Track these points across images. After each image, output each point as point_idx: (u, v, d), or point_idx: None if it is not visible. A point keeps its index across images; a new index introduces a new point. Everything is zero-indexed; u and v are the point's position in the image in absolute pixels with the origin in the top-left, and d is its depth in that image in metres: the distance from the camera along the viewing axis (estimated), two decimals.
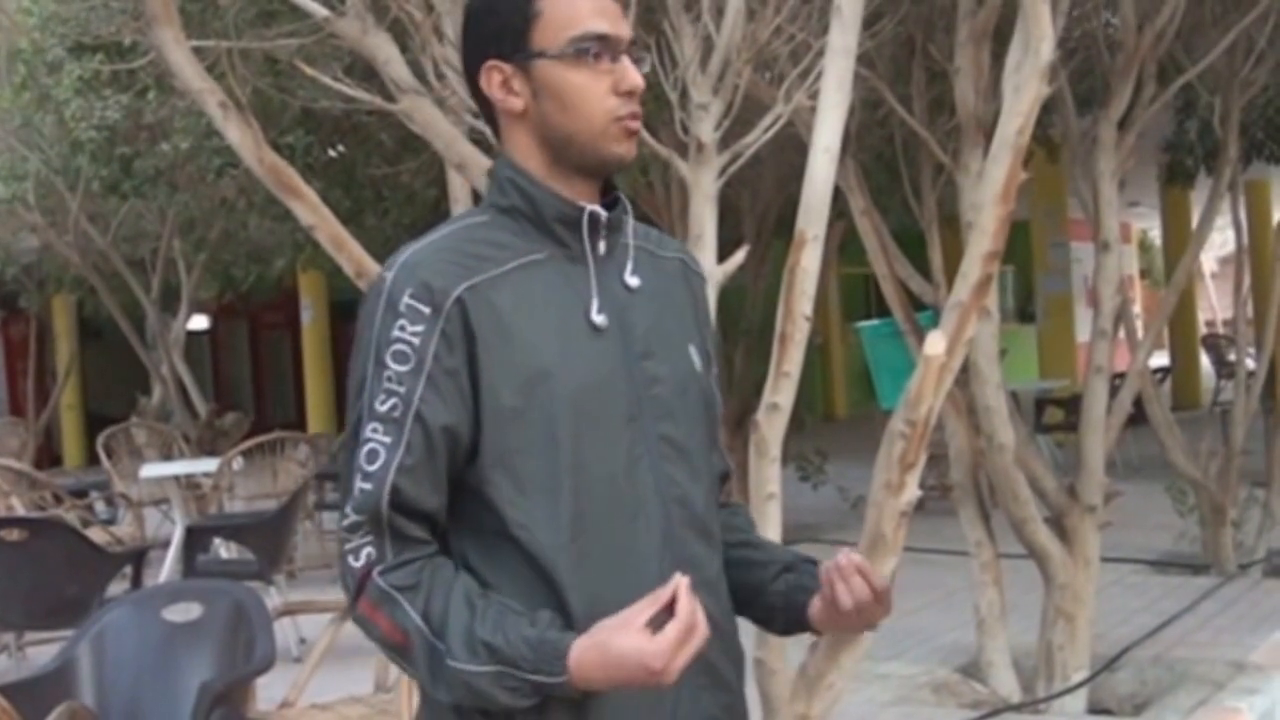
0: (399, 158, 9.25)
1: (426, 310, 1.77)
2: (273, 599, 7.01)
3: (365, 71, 5.88)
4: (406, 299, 1.78)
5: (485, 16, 1.90)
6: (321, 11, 4.34)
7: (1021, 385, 14.21)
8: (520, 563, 1.79)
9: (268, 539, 7.62)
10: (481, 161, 3.81)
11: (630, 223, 1.94)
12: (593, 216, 1.87)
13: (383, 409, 1.78)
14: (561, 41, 1.84)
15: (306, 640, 6.92)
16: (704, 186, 3.90)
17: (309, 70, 4.58)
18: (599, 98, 1.84)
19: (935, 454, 7.90)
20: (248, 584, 4.92)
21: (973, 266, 3.44)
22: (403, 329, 1.77)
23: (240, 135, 4.15)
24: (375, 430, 1.78)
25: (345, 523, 1.79)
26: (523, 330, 1.80)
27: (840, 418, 21.08)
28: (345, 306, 17.33)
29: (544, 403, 1.79)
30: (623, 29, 1.88)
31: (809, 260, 3.27)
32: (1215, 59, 6.87)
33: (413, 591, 1.76)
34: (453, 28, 4.15)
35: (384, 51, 4.25)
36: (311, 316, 19.14)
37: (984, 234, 3.44)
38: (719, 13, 4.09)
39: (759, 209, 10.68)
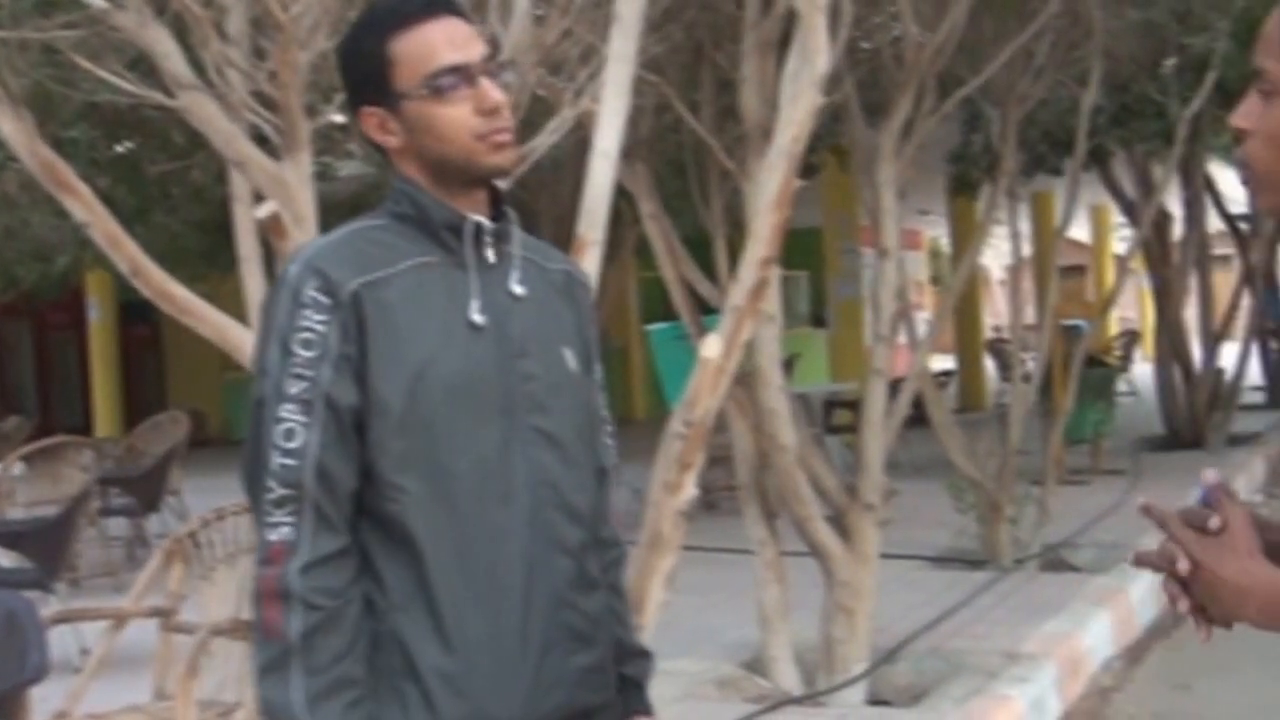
0: (188, 154, 9.06)
1: (327, 301, 1.95)
2: (52, 608, 6.81)
3: (152, 66, 5.75)
4: (310, 290, 1.95)
5: (349, 69, 2.09)
6: (99, 3, 4.24)
7: (812, 388, 14.55)
8: (396, 538, 1.96)
9: (47, 546, 7.41)
10: (261, 160, 3.76)
11: (518, 235, 2.11)
12: (477, 226, 2.04)
13: (294, 391, 1.94)
14: (418, 81, 2.01)
15: (89, 650, 6.74)
16: None
17: (84, 63, 4.47)
18: (463, 122, 2.02)
19: (724, 455, 8.06)
20: (27, 593, 4.78)
21: (749, 272, 3.53)
22: (308, 318, 1.94)
23: (13, 128, 4.04)
24: (290, 411, 1.93)
25: (269, 496, 1.93)
26: (408, 326, 1.97)
27: (638, 420, 21.25)
28: (135, 307, 16.89)
29: (423, 393, 1.96)
30: (475, 52, 2.03)
31: (589, 264, 3.32)
32: (995, 73, 7.14)
33: (320, 633, 1.91)
34: (235, 24, 4.09)
35: (163, 45, 4.17)
36: (99, 316, 18.61)
37: (759, 240, 3.53)
38: (507, 14, 4.11)
39: (558, 212, 10.73)
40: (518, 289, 2.07)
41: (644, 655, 2.26)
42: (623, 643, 2.19)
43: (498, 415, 2.01)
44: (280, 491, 1.92)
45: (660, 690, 5.86)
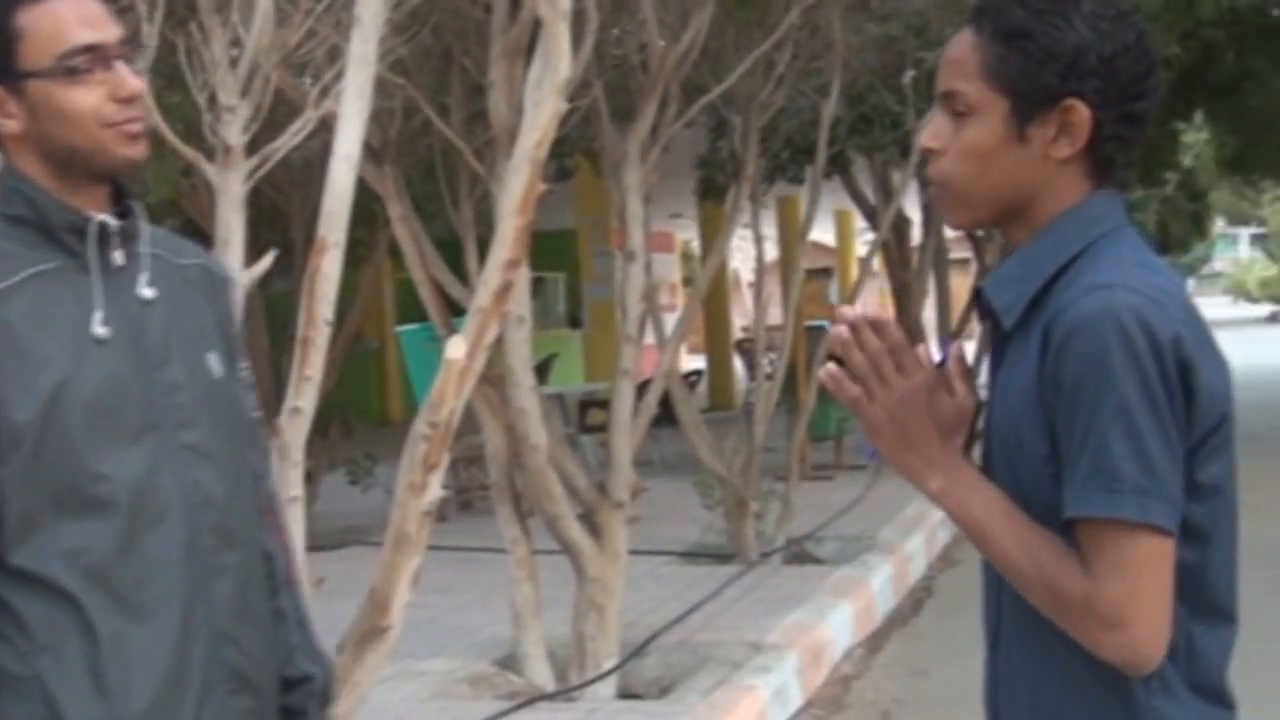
0: None
1: None
2: None
3: None
4: None
5: None
6: None
7: (568, 388, 14.69)
8: (40, 575, 1.79)
9: None
10: None
11: (146, 231, 1.94)
12: (101, 226, 1.87)
13: None
14: (49, 59, 1.82)
15: None
16: (231, 191, 3.89)
17: None
18: (95, 109, 1.84)
19: (478, 455, 8.10)
20: None
21: (493, 274, 3.59)
22: None
23: None
24: None
25: None
26: (35, 345, 1.79)
27: (395, 421, 21.11)
28: None
29: (60, 418, 1.78)
30: (111, 33, 1.87)
31: (329, 266, 3.34)
32: (737, 82, 7.34)
33: None
34: None
35: None
36: None
37: (504, 243, 3.59)
38: (249, 13, 4.08)
39: (308, 214, 10.60)
40: (147, 292, 1.90)
41: (307, 680, 2.08)
42: (286, 674, 2.04)
43: (144, 433, 1.85)
44: None
45: (413, 690, 5.92)
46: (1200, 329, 1.69)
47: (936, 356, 1.82)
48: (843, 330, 1.75)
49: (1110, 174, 1.79)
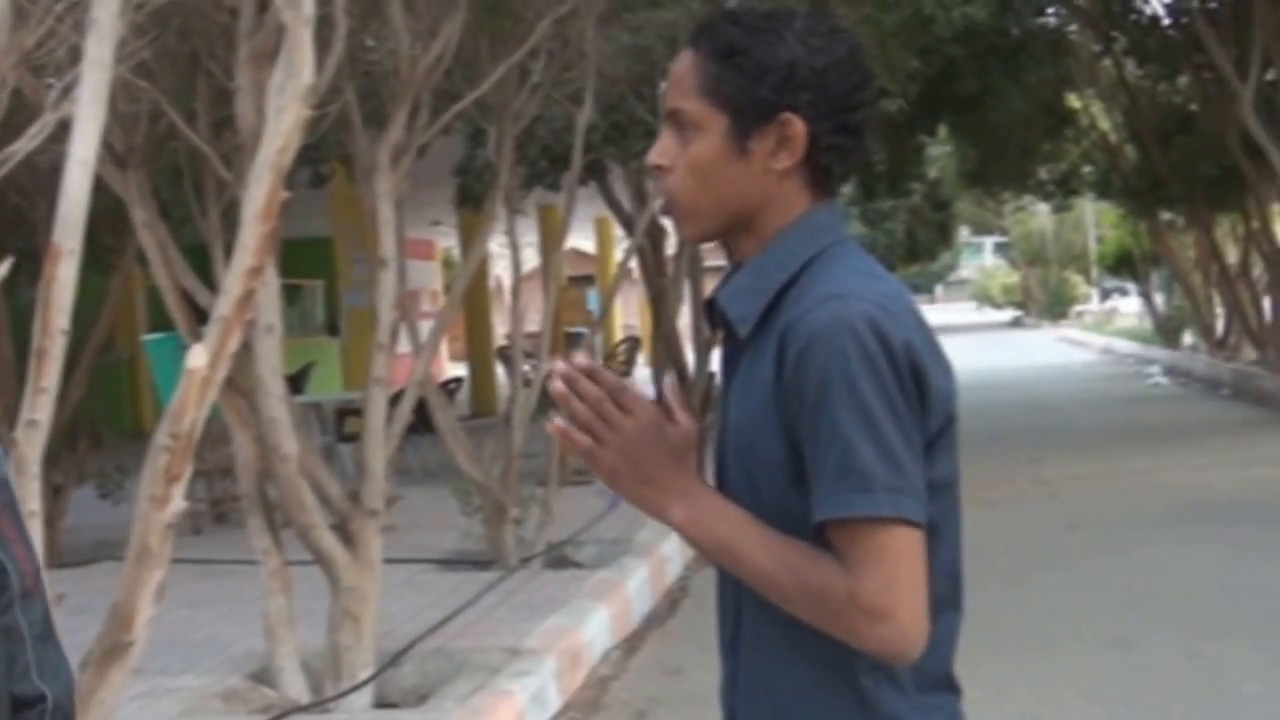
0: None
1: None
2: None
3: None
4: None
5: None
6: None
7: (326, 396, 14.50)
8: None
9: None
10: None
11: None
12: None
13: None
14: None
15: None
16: None
17: None
18: None
19: (231, 466, 7.94)
20: None
21: (235, 282, 3.55)
22: None
23: None
24: None
25: None
26: None
27: (148, 432, 20.50)
28: None
29: None
30: None
31: (65, 273, 3.26)
32: (491, 90, 7.37)
33: None
34: None
35: None
36: None
37: (246, 250, 3.56)
38: None
39: (55, 220, 10.22)
40: None
41: (41, 699, 1.89)
42: (18, 693, 1.88)
43: None
44: None
45: (164, 708, 5.80)
46: (927, 335, 1.77)
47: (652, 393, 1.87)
48: (559, 386, 1.78)
49: (830, 184, 1.86)
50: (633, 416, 1.78)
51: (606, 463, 1.79)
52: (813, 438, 1.71)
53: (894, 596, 1.68)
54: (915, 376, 1.72)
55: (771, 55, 1.79)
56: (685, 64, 1.84)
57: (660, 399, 1.85)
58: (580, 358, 1.80)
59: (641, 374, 22.54)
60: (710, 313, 1.92)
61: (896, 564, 1.69)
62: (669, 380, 1.91)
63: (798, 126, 1.79)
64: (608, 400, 1.78)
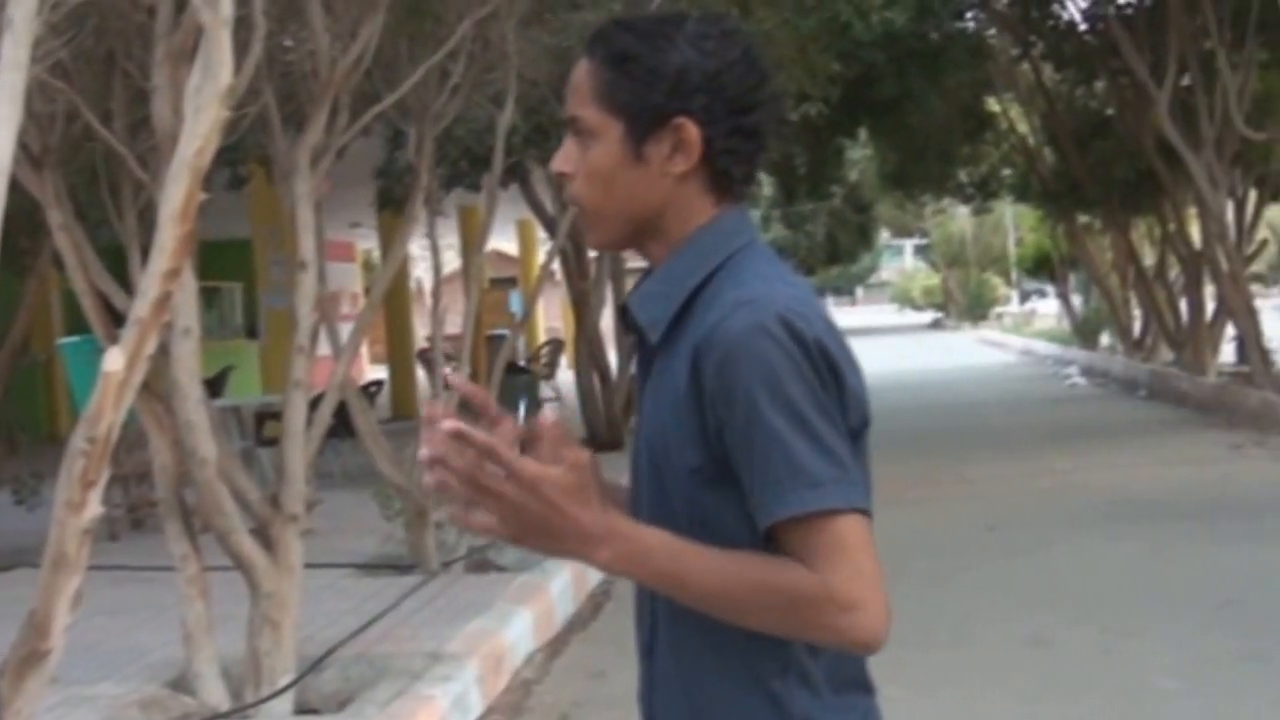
0: None
1: None
2: None
3: None
4: None
5: None
6: None
7: (245, 400, 14.37)
8: None
9: None
10: None
11: None
12: None
13: None
14: None
15: None
16: None
17: None
18: None
19: (148, 470, 7.86)
20: None
21: (152, 284, 3.52)
22: None
23: None
24: None
25: None
26: None
27: (64, 437, 20.23)
28: None
29: None
30: None
31: None
32: (411, 91, 7.34)
33: None
34: None
35: None
36: None
37: (163, 252, 3.53)
38: None
39: None
40: None
41: None
42: None
43: None
44: None
45: (79, 716, 5.73)
46: (839, 337, 1.78)
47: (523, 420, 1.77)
48: (429, 480, 1.68)
49: (732, 187, 1.86)
50: (514, 475, 1.66)
51: (507, 531, 1.69)
52: (746, 445, 1.71)
53: (861, 585, 1.68)
54: (833, 375, 1.73)
55: (663, 60, 1.80)
56: (582, 71, 1.85)
57: (539, 435, 1.72)
58: (442, 415, 1.66)
59: (564, 376, 22.54)
60: (624, 318, 1.92)
61: (858, 553, 1.69)
62: (546, 412, 1.83)
63: (692, 131, 1.80)
64: (480, 468, 1.65)
